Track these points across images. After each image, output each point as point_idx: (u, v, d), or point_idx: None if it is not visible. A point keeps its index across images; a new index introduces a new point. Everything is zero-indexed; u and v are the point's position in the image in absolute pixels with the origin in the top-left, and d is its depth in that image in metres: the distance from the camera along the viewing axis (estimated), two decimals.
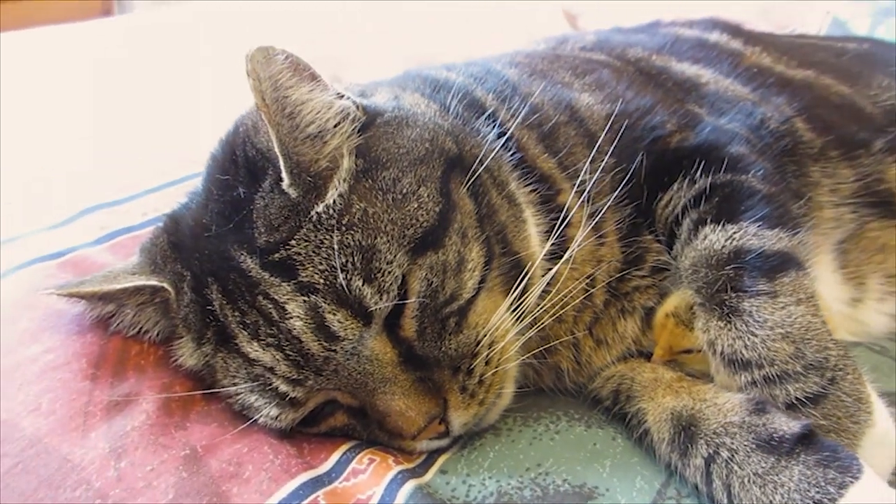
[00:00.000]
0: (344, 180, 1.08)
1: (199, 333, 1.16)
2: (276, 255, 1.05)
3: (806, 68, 1.73)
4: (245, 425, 1.13)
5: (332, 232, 1.05)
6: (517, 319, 1.16)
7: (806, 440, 0.97)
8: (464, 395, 1.11)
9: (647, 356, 1.28)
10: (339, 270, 1.02)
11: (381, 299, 1.03)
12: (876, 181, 1.54)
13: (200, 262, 1.14)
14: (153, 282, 1.18)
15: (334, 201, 1.07)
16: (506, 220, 1.19)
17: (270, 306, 1.06)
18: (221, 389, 1.15)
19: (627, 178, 1.27)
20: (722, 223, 1.20)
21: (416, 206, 1.08)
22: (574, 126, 1.35)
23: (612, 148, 1.29)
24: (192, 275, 1.16)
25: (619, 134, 1.31)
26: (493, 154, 1.22)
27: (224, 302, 1.11)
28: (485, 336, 1.13)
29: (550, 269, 1.20)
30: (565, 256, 1.19)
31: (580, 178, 1.27)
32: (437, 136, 1.18)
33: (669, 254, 1.28)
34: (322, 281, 1.03)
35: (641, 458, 1.13)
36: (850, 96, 1.68)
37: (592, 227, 1.25)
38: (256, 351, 1.08)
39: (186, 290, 1.16)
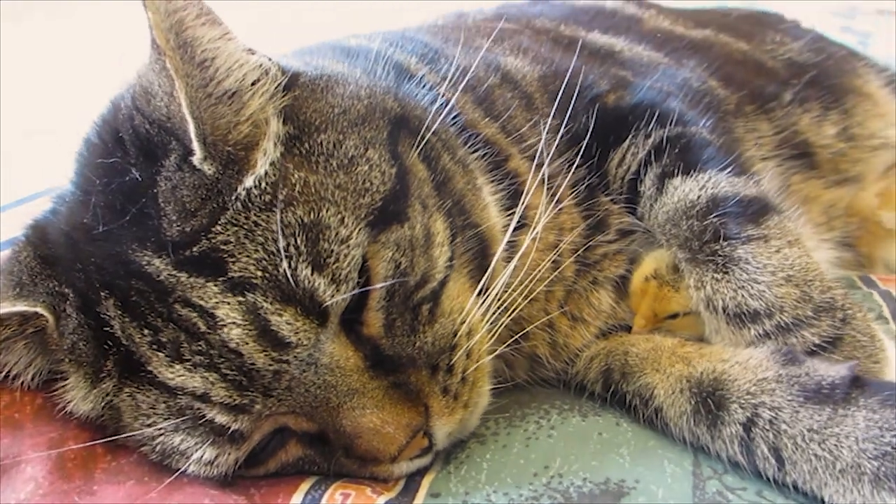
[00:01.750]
0: (275, 146, 0.86)
1: (93, 367, 0.88)
2: (195, 248, 0.81)
3: (703, 28, 1.70)
4: (172, 478, 0.86)
5: (268, 210, 0.82)
6: (488, 303, 0.97)
7: (857, 383, 0.86)
8: (447, 399, 0.91)
9: (627, 330, 1.14)
10: (281, 258, 0.79)
11: (337, 290, 0.82)
12: (792, 133, 1.52)
13: (86, 275, 0.87)
14: (20, 307, 0.89)
15: (266, 172, 0.84)
16: (462, 187, 1.01)
17: (194, 315, 0.81)
18: (132, 434, 0.87)
19: (573, 138, 1.15)
20: (690, 173, 1.10)
21: (366, 168, 0.88)
22: (508, 88, 1.22)
23: (552, 109, 1.17)
24: (75, 292, 0.89)
25: (557, 95, 1.19)
26: (435, 116, 1.03)
27: (126, 320, 0.84)
28: (462, 324, 0.93)
29: (513, 242, 1.03)
30: (537, 228, 1.03)
31: (526, 143, 1.13)
32: (375, 93, 0.99)
33: (634, 215, 1.15)
34: (260, 273, 0.80)
35: (658, 440, 0.98)
36: (751, 52, 1.66)
37: (549, 195, 1.10)
38: (180, 376, 0.82)
39: (70, 313, 0.89)
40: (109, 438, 0.90)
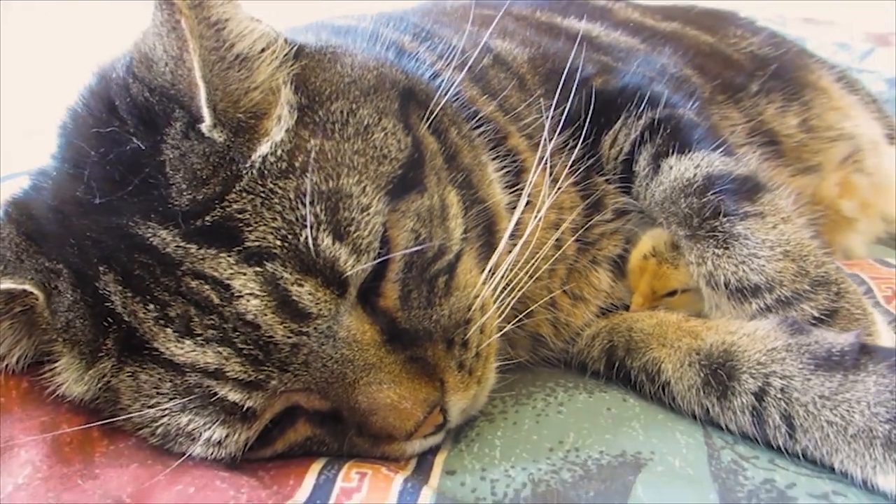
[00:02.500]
0: (289, 113, 0.83)
1: (90, 346, 0.83)
2: (208, 217, 0.78)
3: (670, 21, 1.74)
4: (180, 461, 0.82)
5: (285, 178, 0.79)
6: (497, 280, 0.97)
7: (866, 349, 0.88)
8: (462, 374, 0.90)
9: (626, 309, 1.15)
10: (301, 226, 0.77)
11: (358, 260, 0.79)
12: (759, 123, 1.57)
13: (81, 250, 0.82)
14: (7, 285, 0.83)
15: (281, 139, 0.81)
16: (469, 162, 1.00)
17: (206, 288, 0.78)
18: (132, 416, 0.83)
19: (566, 119, 1.15)
20: (684, 153, 1.13)
21: (382, 136, 0.87)
22: (501, 69, 1.22)
23: (544, 90, 1.17)
24: (69, 268, 0.83)
25: (547, 76, 1.20)
26: (438, 91, 1.02)
27: (129, 295, 0.80)
28: (476, 298, 0.92)
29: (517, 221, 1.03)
30: (544, 206, 1.03)
31: (524, 121, 1.14)
32: (382, 65, 0.97)
33: (628, 194, 1.17)
34: (279, 243, 0.77)
35: (666, 414, 0.99)
36: (716, 45, 1.72)
37: (548, 174, 1.11)
38: (191, 352, 0.78)
39: (63, 290, 0.83)
40: (107, 421, 0.85)
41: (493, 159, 1.08)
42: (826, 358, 0.88)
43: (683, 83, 1.43)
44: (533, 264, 1.02)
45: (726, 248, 1.02)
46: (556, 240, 1.09)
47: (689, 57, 1.56)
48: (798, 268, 1.01)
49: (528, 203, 1.04)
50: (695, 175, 1.09)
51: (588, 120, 1.17)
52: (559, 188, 1.11)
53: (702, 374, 0.96)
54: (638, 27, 1.62)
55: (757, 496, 0.82)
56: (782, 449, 0.89)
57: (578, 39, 1.44)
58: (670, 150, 1.13)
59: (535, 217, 1.02)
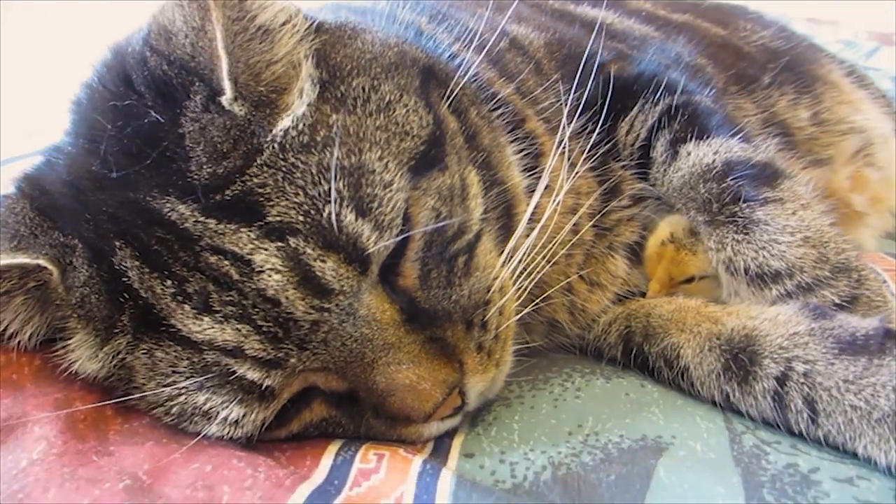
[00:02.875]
0: (312, 86, 0.82)
1: (105, 323, 0.82)
2: (228, 191, 0.76)
3: (682, 13, 1.73)
4: (196, 440, 0.81)
5: (307, 152, 0.78)
6: (515, 263, 0.96)
7: (890, 334, 0.88)
8: (481, 355, 0.89)
9: (642, 296, 1.14)
10: (325, 202, 0.75)
11: (381, 237, 0.78)
12: (771, 115, 1.56)
13: (97, 225, 0.81)
14: (20, 259, 0.81)
15: (304, 113, 0.80)
16: (489, 143, 0.99)
17: (226, 263, 0.76)
18: (147, 394, 0.81)
19: (583, 104, 1.14)
20: (703, 139, 1.13)
21: (404, 112, 0.86)
22: (518, 53, 1.21)
23: (560, 74, 1.17)
24: (84, 243, 0.82)
25: (563, 61, 1.19)
26: (457, 71, 1.01)
27: (146, 271, 0.79)
28: (495, 279, 0.91)
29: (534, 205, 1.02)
30: (563, 190, 1.02)
31: (541, 105, 1.13)
32: (403, 42, 0.96)
33: (645, 180, 1.16)
34: (302, 218, 0.76)
35: (686, 399, 0.98)
36: (728, 37, 1.71)
37: (565, 158, 1.10)
38: (209, 329, 0.77)
39: (79, 265, 0.82)
40: (121, 399, 0.84)
41: (512, 142, 1.07)
42: (850, 342, 0.88)
43: (698, 72, 1.43)
44: (550, 249, 1.00)
45: (746, 234, 1.01)
46: (574, 225, 1.08)
47: (703, 47, 1.55)
48: (819, 254, 1.00)
49: (546, 187, 1.04)
50: (714, 161, 1.08)
51: (605, 106, 1.16)
52: (577, 173, 1.10)
53: (722, 359, 0.95)
54: (650, 17, 1.61)
55: (780, 480, 0.81)
56: (804, 434, 0.89)
57: (592, 26, 1.44)
58: (688, 136, 1.13)
59: (553, 201, 1.01)
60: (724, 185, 1.05)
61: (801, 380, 0.88)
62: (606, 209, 1.13)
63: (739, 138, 1.13)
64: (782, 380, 0.89)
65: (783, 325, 0.92)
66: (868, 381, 0.84)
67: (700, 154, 1.10)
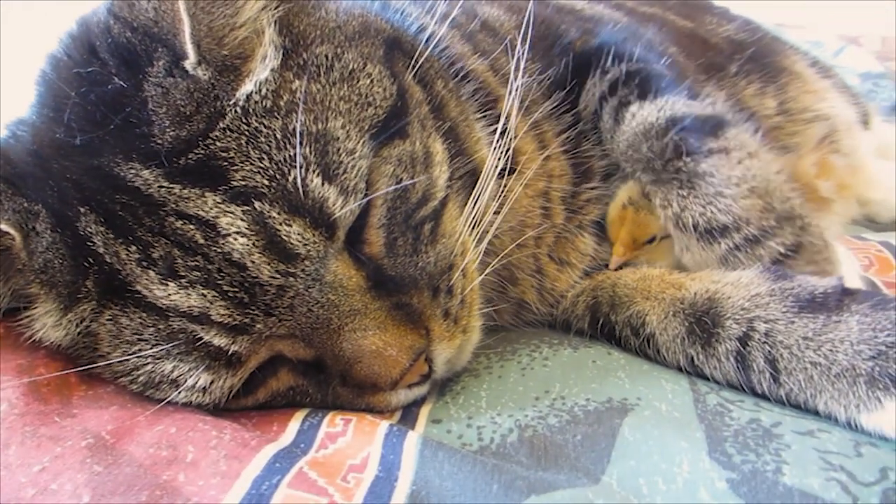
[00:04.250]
0: (275, 52, 0.83)
1: (69, 288, 0.82)
2: (191, 155, 0.77)
3: (650, 5, 1.76)
4: (159, 406, 0.81)
5: (271, 117, 0.78)
6: (477, 234, 0.97)
7: (848, 291, 0.89)
8: (447, 322, 0.89)
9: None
10: (290, 167, 0.76)
11: (346, 202, 0.79)
12: (737, 102, 1.58)
13: (60, 191, 0.81)
14: None
15: (266, 78, 0.81)
16: (456, 116, 1.00)
17: (191, 228, 0.77)
18: (116, 361, 0.81)
19: (553, 84, 1.16)
20: (647, 99, 1.13)
21: (367, 82, 0.86)
22: (489, 35, 1.22)
23: (531, 55, 1.18)
24: (48, 209, 0.82)
25: (533, 42, 1.21)
26: (425, 43, 1.02)
27: (110, 236, 0.79)
28: (459, 244, 0.92)
29: (504, 187, 1.03)
30: (532, 168, 1.03)
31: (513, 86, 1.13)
32: (367, 13, 0.97)
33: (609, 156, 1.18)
34: (267, 182, 0.76)
35: (651, 365, 0.99)
36: (695, 29, 1.74)
37: (537, 140, 1.11)
38: (174, 294, 0.77)
39: (42, 231, 0.82)
40: (86, 367, 0.83)
41: (482, 118, 1.07)
42: (809, 300, 0.89)
43: (664, 55, 1.44)
44: (519, 231, 1.02)
45: (691, 189, 1.03)
46: (545, 208, 1.09)
47: (672, 36, 1.58)
48: (764, 203, 1.02)
49: (516, 171, 1.04)
50: (657, 119, 1.09)
51: (570, 85, 1.18)
52: (546, 155, 1.11)
53: (686, 324, 0.96)
54: (619, 6, 1.64)
55: (743, 434, 0.82)
56: (767, 394, 0.90)
57: (563, 10, 1.46)
58: (632, 99, 1.13)
59: (521, 182, 1.02)
60: (665, 140, 1.06)
61: (763, 339, 0.89)
62: (577, 190, 1.14)
63: (686, 95, 1.14)
64: (744, 340, 0.90)
65: (745, 287, 0.94)
66: (826, 337, 0.86)
67: (644, 114, 1.10)
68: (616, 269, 1.11)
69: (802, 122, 1.69)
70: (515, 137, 1.05)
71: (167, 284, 0.77)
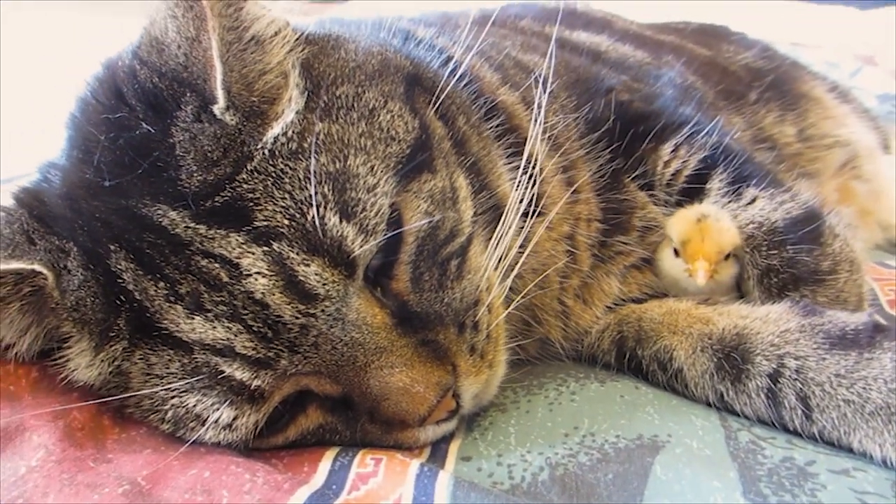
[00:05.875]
0: (300, 94, 0.84)
1: (101, 326, 0.82)
2: (218, 198, 0.78)
3: (668, 34, 1.77)
4: (186, 446, 0.81)
5: (295, 159, 0.79)
6: (502, 270, 0.97)
7: (879, 327, 0.89)
8: (474, 357, 0.89)
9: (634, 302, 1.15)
10: (309, 206, 0.77)
11: (365, 240, 0.79)
12: (759, 130, 1.59)
13: (91, 230, 0.82)
14: (15, 265, 0.81)
15: (292, 121, 0.82)
16: (478, 151, 1.01)
17: (216, 266, 0.78)
18: (141, 395, 0.82)
19: (590, 123, 1.16)
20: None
21: (389, 118, 0.87)
22: (523, 72, 1.21)
23: (570, 93, 1.19)
24: (78, 247, 0.83)
25: (571, 83, 1.22)
26: (448, 77, 1.03)
27: (140, 273, 0.80)
28: (484, 279, 0.92)
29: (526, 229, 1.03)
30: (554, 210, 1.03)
31: (547, 122, 1.12)
32: (386, 50, 0.98)
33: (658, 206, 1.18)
34: (287, 222, 0.77)
35: (680, 400, 0.99)
36: (713, 57, 1.75)
37: (566, 182, 1.11)
38: (201, 328, 0.78)
39: (74, 269, 0.82)
40: (120, 397, 0.83)
41: (506, 159, 1.06)
42: (840, 337, 0.89)
43: (689, 91, 1.44)
44: (541, 273, 1.02)
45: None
46: (570, 252, 1.09)
47: (691, 64, 1.58)
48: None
49: (541, 213, 1.04)
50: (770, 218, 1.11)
51: (618, 133, 1.18)
52: (576, 199, 1.11)
53: (715, 359, 0.95)
54: (639, 37, 1.65)
55: (777, 473, 0.81)
56: (799, 431, 0.89)
57: (589, 53, 1.46)
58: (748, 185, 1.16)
59: (544, 226, 1.02)
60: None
61: (794, 376, 0.89)
62: (608, 242, 1.14)
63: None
64: (775, 377, 0.90)
65: (774, 322, 0.94)
66: (859, 374, 0.85)
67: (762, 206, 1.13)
68: (703, 284, 1.08)
69: (823, 147, 1.69)
70: (541, 179, 1.05)
71: (193, 318, 0.78)
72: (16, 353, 0.87)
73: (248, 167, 0.78)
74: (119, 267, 0.80)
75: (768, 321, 0.94)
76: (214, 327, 0.77)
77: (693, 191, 1.18)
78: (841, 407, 0.85)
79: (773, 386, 0.90)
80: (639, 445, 0.88)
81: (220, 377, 0.79)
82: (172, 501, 0.73)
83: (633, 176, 1.18)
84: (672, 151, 1.20)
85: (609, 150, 1.15)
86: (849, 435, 0.85)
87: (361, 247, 0.79)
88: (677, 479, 0.81)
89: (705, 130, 1.21)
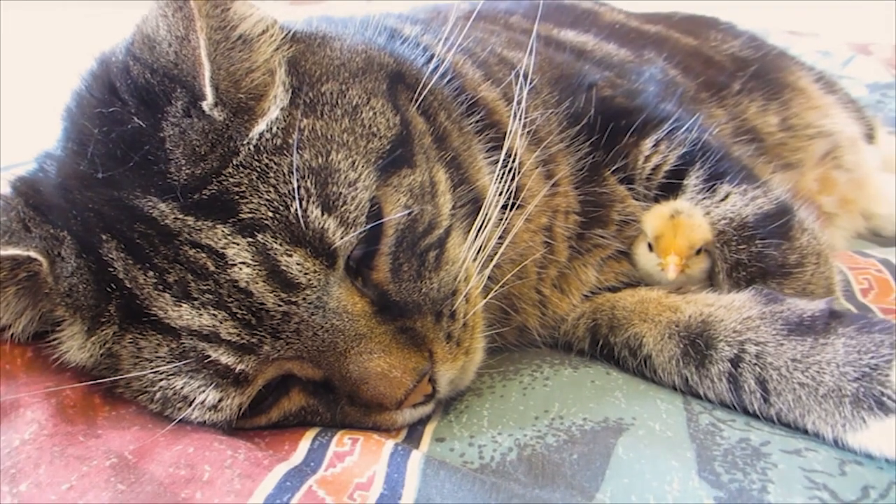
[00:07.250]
0: (285, 92, 0.88)
1: (92, 312, 0.87)
2: (205, 191, 0.82)
3: (654, 24, 1.79)
4: (173, 424, 0.86)
5: (279, 154, 0.83)
6: (480, 261, 1.01)
7: (835, 314, 0.93)
8: (450, 345, 0.94)
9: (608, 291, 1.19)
10: (292, 198, 0.81)
11: (346, 232, 0.83)
12: (742, 121, 1.62)
13: (84, 220, 0.87)
14: (12, 251, 0.85)
15: (276, 118, 0.86)
16: (458, 146, 1.05)
17: (202, 256, 0.82)
18: (131, 377, 0.86)
19: (572, 117, 1.19)
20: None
21: (371, 115, 0.91)
22: (507, 68, 1.25)
23: (552, 88, 1.22)
24: (72, 236, 0.87)
25: (554, 80, 1.25)
26: (429, 74, 1.06)
27: (130, 262, 0.84)
28: (463, 270, 0.96)
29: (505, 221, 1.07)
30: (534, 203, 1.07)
31: (528, 117, 1.15)
32: (370, 49, 1.01)
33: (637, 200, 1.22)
34: (271, 215, 0.81)
35: (648, 385, 1.03)
36: (698, 46, 1.77)
37: (545, 175, 1.14)
38: (188, 314, 0.82)
39: (67, 256, 0.87)
40: (110, 379, 0.88)
41: (486, 153, 1.09)
42: (798, 323, 0.93)
43: (669, 87, 1.47)
44: (519, 264, 1.06)
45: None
46: (547, 243, 1.12)
47: (674, 58, 1.61)
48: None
49: (519, 206, 1.08)
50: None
51: (599, 124, 1.21)
52: (555, 192, 1.14)
53: (681, 346, 1.00)
54: (624, 30, 1.67)
55: (732, 454, 0.86)
56: (758, 414, 0.93)
57: (574, 51, 1.49)
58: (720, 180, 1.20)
59: (522, 218, 1.06)
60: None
61: (753, 361, 0.93)
62: (586, 234, 1.17)
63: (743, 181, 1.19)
64: (736, 361, 0.94)
65: (737, 310, 0.98)
66: (814, 359, 0.89)
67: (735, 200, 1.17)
68: (673, 279, 1.12)
69: (805, 138, 1.72)
70: (520, 173, 1.09)
71: (181, 306, 0.82)
72: (12, 335, 0.92)
73: (235, 161, 0.82)
74: (110, 256, 0.84)
75: (732, 309, 0.98)
76: (201, 314, 0.82)
77: (671, 186, 1.22)
78: (796, 390, 0.89)
79: (734, 370, 0.94)
80: (604, 428, 0.92)
81: (206, 361, 0.83)
82: (157, 474, 0.77)
83: (614, 169, 1.21)
84: (653, 146, 1.24)
85: (589, 143, 1.19)
86: (804, 417, 0.89)
87: (342, 238, 0.83)
88: (638, 458, 0.86)
89: (685, 127, 1.25)
